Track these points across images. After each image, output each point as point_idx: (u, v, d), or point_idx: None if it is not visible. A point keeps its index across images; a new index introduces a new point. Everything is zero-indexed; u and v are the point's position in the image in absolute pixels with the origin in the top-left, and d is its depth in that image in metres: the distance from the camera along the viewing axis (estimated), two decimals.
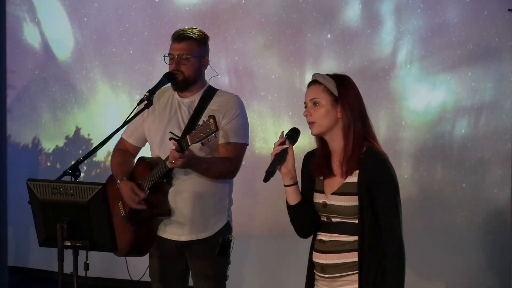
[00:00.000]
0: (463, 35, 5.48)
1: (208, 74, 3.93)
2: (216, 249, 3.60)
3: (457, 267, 5.50)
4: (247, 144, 3.88)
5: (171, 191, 3.81)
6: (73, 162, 3.59)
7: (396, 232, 3.00)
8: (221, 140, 3.78)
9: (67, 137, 6.72)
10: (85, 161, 3.73)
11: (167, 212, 3.81)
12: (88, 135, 6.62)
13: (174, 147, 3.58)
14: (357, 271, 3.01)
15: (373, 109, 5.57)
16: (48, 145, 6.81)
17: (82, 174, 3.85)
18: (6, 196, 5.89)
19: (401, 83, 5.64)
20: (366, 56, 5.70)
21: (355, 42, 5.73)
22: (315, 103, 3.02)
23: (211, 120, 3.47)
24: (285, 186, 3.07)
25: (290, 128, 3.11)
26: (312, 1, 5.83)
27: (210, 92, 3.88)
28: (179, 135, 3.70)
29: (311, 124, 3.04)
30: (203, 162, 3.75)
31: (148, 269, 3.97)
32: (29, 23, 6.77)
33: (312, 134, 3.07)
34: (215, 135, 3.50)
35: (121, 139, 4.05)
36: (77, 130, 6.67)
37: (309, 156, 3.16)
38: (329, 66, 5.78)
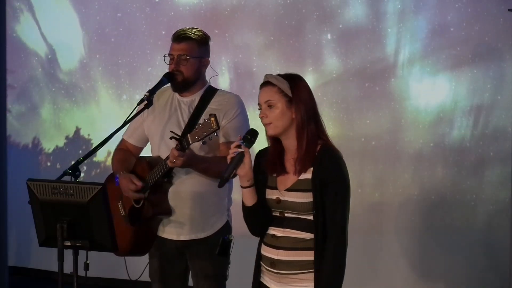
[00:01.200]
0: (463, 35, 5.48)
1: (208, 74, 3.94)
2: (216, 249, 3.60)
3: (457, 267, 5.50)
4: None
5: (171, 190, 3.81)
6: (73, 162, 3.58)
7: (341, 230, 3.01)
8: (221, 139, 3.78)
9: (67, 137, 6.71)
10: (85, 161, 3.72)
11: (167, 211, 3.81)
12: (88, 135, 6.62)
13: (174, 146, 3.58)
14: (311, 270, 3.03)
15: (373, 109, 5.60)
16: (48, 145, 6.81)
17: (82, 174, 3.84)
18: (6, 196, 5.88)
19: (401, 83, 5.63)
20: (366, 56, 5.70)
21: (355, 42, 5.72)
22: (270, 105, 3.06)
23: (212, 119, 3.46)
24: (242, 187, 3.10)
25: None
26: (312, 1, 5.82)
27: (210, 92, 3.88)
28: (179, 133, 3.70)
29: (267, 125, 3.08)
30: (204, 161, 3.75)
31: (146, 268, 3.97)
32: (29, 23, 6.76)
33: (268, 134, 3.11)
34: (216, 133, 3.50)
35: (122, 140, 4.05)
36: (77, 130, 6.67)
37: (261, 154, 3.20)
38: (329, 66, 5.78)
